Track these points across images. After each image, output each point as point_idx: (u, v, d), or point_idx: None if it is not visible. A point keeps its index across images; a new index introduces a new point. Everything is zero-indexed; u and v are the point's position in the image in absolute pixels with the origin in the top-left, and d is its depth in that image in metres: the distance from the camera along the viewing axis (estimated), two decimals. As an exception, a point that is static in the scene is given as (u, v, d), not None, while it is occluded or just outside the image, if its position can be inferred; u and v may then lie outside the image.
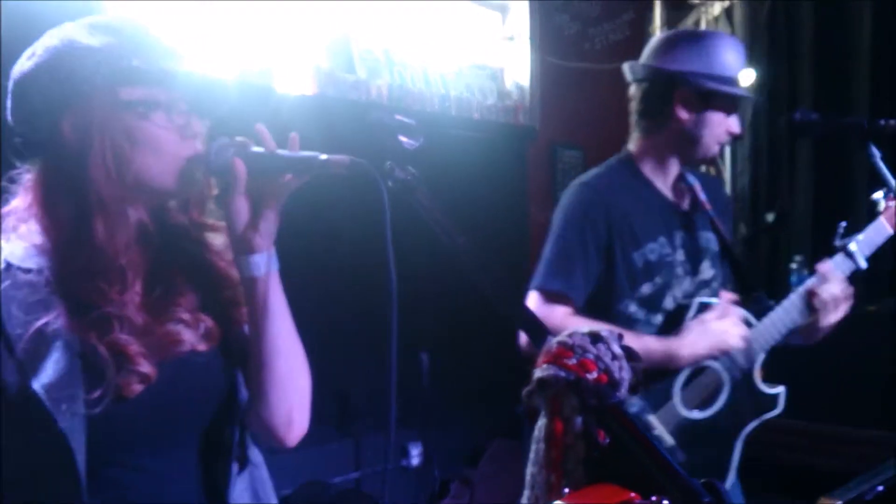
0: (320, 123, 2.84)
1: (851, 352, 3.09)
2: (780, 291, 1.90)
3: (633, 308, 1.83)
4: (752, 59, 4.43)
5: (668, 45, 1.86)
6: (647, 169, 1.90)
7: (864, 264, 1.87)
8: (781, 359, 2.03)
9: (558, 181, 4.23)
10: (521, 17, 4.19)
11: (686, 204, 1.93)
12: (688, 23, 4.59)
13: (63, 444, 0.94)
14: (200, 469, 1.11)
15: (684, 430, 1.80)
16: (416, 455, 3.48)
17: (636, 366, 0.87)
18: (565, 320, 1.77)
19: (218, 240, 1.16)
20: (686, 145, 1.85)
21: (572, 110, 4.35)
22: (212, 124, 1.10)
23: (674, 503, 0.80)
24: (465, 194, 3.17)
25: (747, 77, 4.35)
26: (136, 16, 2.62)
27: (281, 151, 1.05)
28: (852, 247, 1.85)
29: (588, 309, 1.82)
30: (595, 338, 0.87)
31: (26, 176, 1.07)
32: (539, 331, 0.94)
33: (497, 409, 3.45)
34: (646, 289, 1.83)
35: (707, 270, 1.90)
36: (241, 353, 1.14)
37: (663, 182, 1.91)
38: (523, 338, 1.79)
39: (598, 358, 0.85)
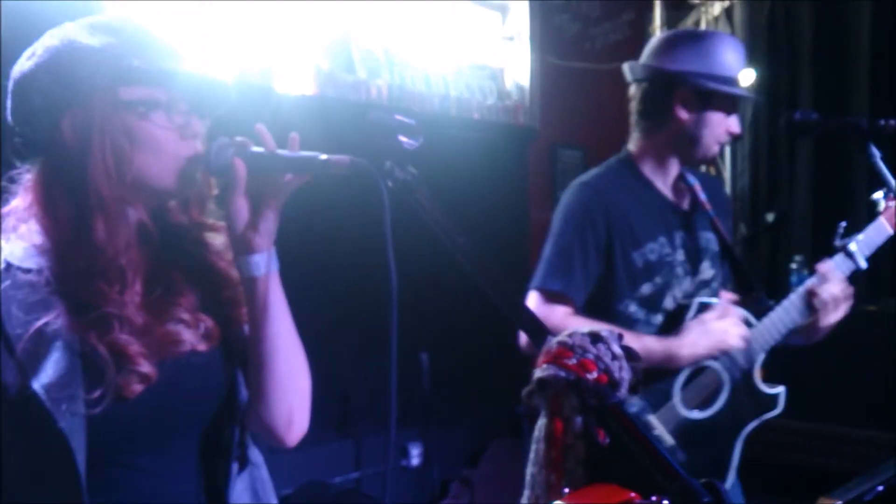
0: (320, 123, 2.84)
1: (852, 352, 3.09)
2: (780, 291, 1.90)
3: (633, 308, 1.83)
4: (752, 59, 4.43)
5: (667, 45, 1.86)
6: (647, 169, 1.90)
7: (864, 264, 1.87)
8: (782, 359, 2.03)
9: (558, 181, 4.23)
10: (521, 17, 4.19)
11: (686, 204, 1.93)
12: (688, 23, 4.59)
13: (63, 444, 0.94)
14: (200, 469, 1.10)
15: (684, 430, 1.79)
16: (416, 455, 3.48)
17: (636, 366, 0.87)
18: (565, 320, 1.77)
19: (218, 240, 1.16)
20: (686, 145, 1.85)
21: (572, 110, 4.35)
22: (211, 124, 1.10)
23: (673, 503, 0.80)
24: (465, 194, 3.17)
25: (747, 77, 4.35)
26: (136, 16, 2.63)
27: (281, 151, 1.05)
28: (852, 247, 1.85)
29: (588, 309, 1.82)
30: (595, 338, 0.87)
31: (26, 176, 1.07)
32: (539, 331, 0.94)
33: (497, 409, 3.46)
34: (646, 289, 1.83)
35: (707, 270, 1.90)
36: (241, 353, 1.14)
37: (663, 182, 1.90)
38: (523, 338, 1.78)
39: (598, 358, 0.85)
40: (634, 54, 1.97)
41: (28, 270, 1.00)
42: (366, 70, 3.47)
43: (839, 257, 1.86)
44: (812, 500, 1.38)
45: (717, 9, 4.56)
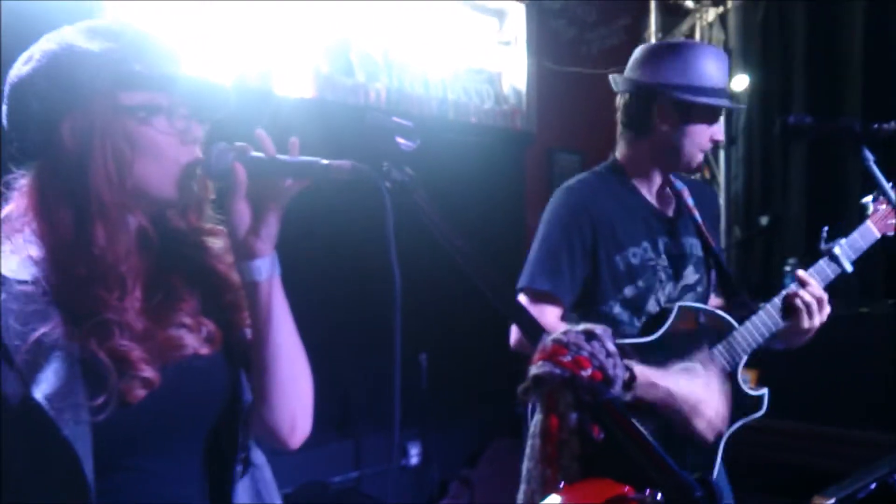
0: (319, 127, 2.85)
1: (846, 354, 3.11)
2: (774, 294, 1.91)
3: (617, 309, 1.86)
4: (746, 64, 4.46)
5: (647, 58, 1.89)
6: (633, 176, 1.93)
7: (849, 268, 1.89)
8: (776, 360, 2.05)
9: (555, 185, 4.20)
10: (517, 22, 4.21)
11: (671, 210, 1.96)
12: (683, 28, 4.61)
13: (69, 452, 0.94)
14: (205, 471, 1.11)
15: (667, 430, 1.81)
16: (415, 455, 3.49)
17: (629, 363, 0.89)
18: (556, 321, 1.79)
19: (217, 244, 1.16)
20: (668, 155, 1.88)
21: (569, 114, 4.37)
22: (210, 128, 1.10)
23: (666, 497, 0.82)
24: (462, 197, 3.19)
25: (740, 82, 4.38)
26: (135, 20, 2.65)
27: (281, 156, 1.05)
28: (836, 250, 1.88)
29: (574, 310, 1.85)
30: (589, 335, 0.88)
31: (21, 181, 1.05)
32: (535, 329, 0.95)
33: (496, 409, 3.48)
34: (628, 291, 1.86)
35: (691, 275, 1.93)
36: (243, 357, 1.14)
37: (648, 189, 1.94)
38: (514, 336, 1.81)
39: (592, 355, 0.86)
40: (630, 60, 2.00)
41: (24, 282, 0.99)
42: (364, 73, 3.49)
43: (824, 261, 1.88)
44: (807, 499, 1.39)
45: (711, 14, 4.59)
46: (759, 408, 1.89)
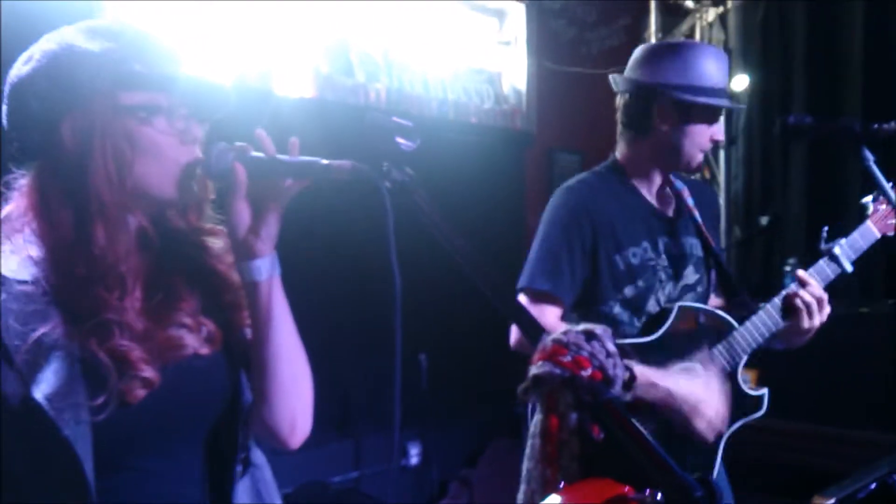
0: (319, 127, 2.85)
1: (847, 354, 3.11)
2: (774, 294, 1.92)
3: (617, 309, 1.86)
4: (746, 64, 4.46)
5: (647, 58, 1.89)
6: (633, 176, 1.93)
7: (849, 268, 1.89)
8: (777, 360, 2.05)
9: (555, 185, 4.19)
10: (518, 22, 4.21)
11: (671, 210, 1.96)
12: (683, 28, 4.61)
13: (69, 452, 0.94)
14: (205, 471, 1.11)
15: (667, 430, 1.81)
16: (414, 455, 3.49)
17: (629, 363, 0.89)
18: (556, 322, 1.79)
19: (217, 244, 1.16)
20: (668, 155, 1.88)
21: (569, 114, 4.38)
22: (210, 128, 1.10)
23: (666, 497, 0.82)
24: (462, 198, 3.19)
25: (741, 82, 4.38)
26: (135, 20, 2.65)
27: (281, 156, 1.05)
28: (836, 250, 1.88)
29: (574, 310, 1.85)
30: (589, 335, 0.88)
31: (21, 181, 1.05)
32: (535, 330, 0.95)
33: (495, 410, 3.48)
34: (628, 291, 1.86)
35: (691, 275, 1.93)
36: (243, 357, 1.15)
37: (648, 189, 1.94)
38: (514, 336, 1.81)
39: (592, 355, 0.87)
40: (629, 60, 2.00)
41: (23, 282, 0.99)
42: (364, 73, 3.49)
43: (823, 261, 1.88)
44: (807, 499, 1.39)
45: (711, 14, 4.59)
46: (759, 408, 1.89)
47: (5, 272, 0.99)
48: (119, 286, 1.03)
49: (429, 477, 3.58)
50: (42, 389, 0.94)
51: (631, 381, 0.88)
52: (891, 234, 1.98)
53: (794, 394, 2.88)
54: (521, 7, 4.20)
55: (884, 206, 1.93)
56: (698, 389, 1.75)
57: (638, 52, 1.93)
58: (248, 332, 1.14)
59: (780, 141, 4.27)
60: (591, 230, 1.84)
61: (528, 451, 0.89)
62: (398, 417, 0.98)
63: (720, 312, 1.89)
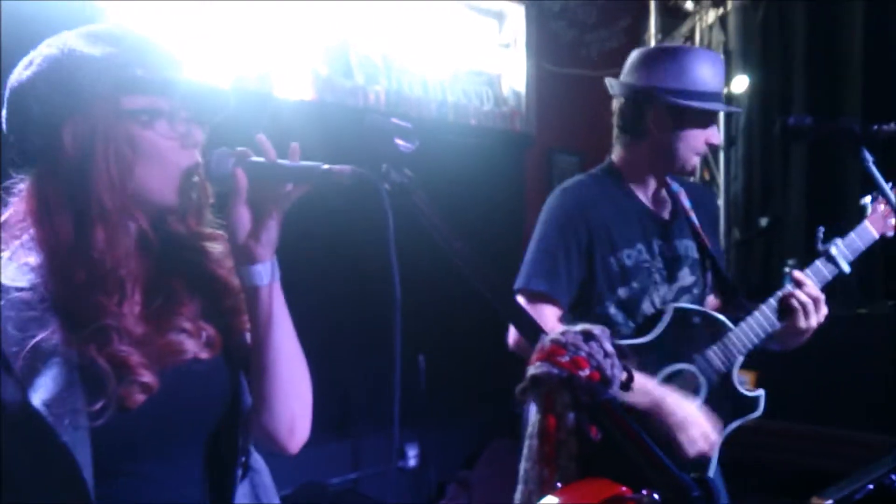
0: (318, 129, 2.86)
1: (845, 354, 3.11)
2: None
3: (612, 310, 1.87)
4: (746, 65, 4.47)
5: (642, 62, 1.91)
6: (629, 179, 1.95)
7: (846, 268, 1.89)
8: (775, 362, 2.05)
9: (555, 187, 4.23)
10: (517, 24, 4.22)
11: (667, 213, 1.97)
12: (683, 30, 4.62)
13: (69, 458, 0.94)
14: (205, 476, 1.11)
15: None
16: (412, 456, 3.49)
17: (627, 363, 0.89)
18: (553, 323, 1.80)
19: (217, 248, 1.16)
20: (663, 159, 1.89)
21: (568, 116, 4.38)
22: (210, 131, 1.10)
23: (664, 497, 0.82)
24: (462, 199, 3.19)
25: (740, 83, 4.39)
26: (135, 24, 2.65)
27: (282, 161, 1.05)
28: (832, 251, 1.88)
29: (571, 311, 1.86)
30: (587, 336, 0.88)
31: (19, 186, 1.05)
32: (533, 330, 0.96)
33: (494, 410, 3.47)
34: (622, 292, 1.87)
35: (686, 277, 1.94)
36: (243, 361, 1.15)
37: (644, 191, 1.95)
38: (512, 337, 1.82)
39: (590, 355, 0.87)
40: (629, 62, 2.00)
41: (21, 289, 0.99)
42: (364, 76, 3.50)
43: (820, 261, 1.88)
44: (805, 500, 1.40)
45: (711, 16, 4.59)
46: (754, 409, 1.90)
47: (4, 280, 0.99)
48: (118, 291, 1.03)
49: (427, 478, 3.58)
50: (40, 395, 0.94)
51: (629, 382, 0.89)
52: (890, 234, 1.98)
53: (793, 395, 2.88)
54: (521, 9, 4.21)
55: (882, 207, 1.94)
56: (689, 406, 1.76)
57: (633, 56, 1.94)
58: (248, 337, 1.14)
59: (780, 142, 4.27)
60: (587, 231, 1.85)
61: (525, 451, 0.89)
62: (397, 418, 0.98)
63: (715, 314, 1.90)
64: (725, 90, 4.37)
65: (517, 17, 4.21)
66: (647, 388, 1.74)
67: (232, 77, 2.97)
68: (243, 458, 1.14)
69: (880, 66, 3.90)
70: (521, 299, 1.85)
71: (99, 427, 0.96)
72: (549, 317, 1.81)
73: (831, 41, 4.13)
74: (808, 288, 1.83)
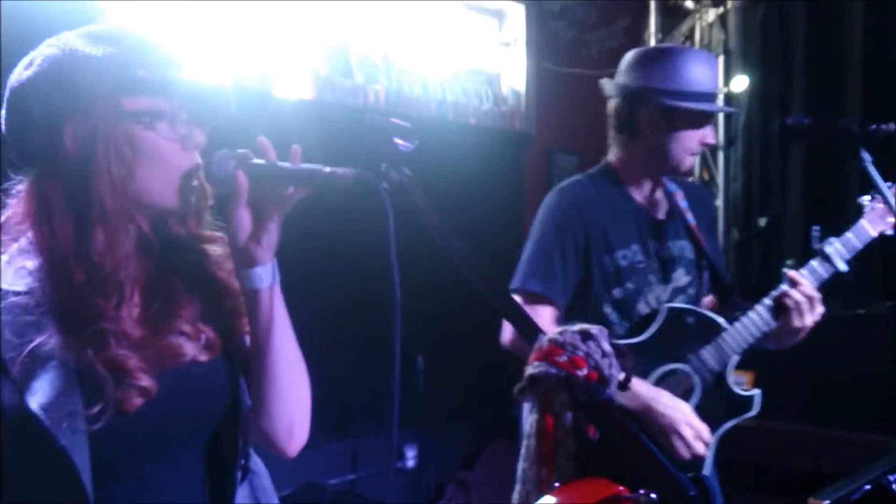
0: (318, 128, 2.86)
1: (842, 355, 3.11)
2: (772, 296, 1.92)
3: (608, 310, 1.88)
4: (745, 64, 4.47)
5: (636, 63, 1.91)
6: (625, 179, 1.95)
7: (843, 267, 1.89)
8: (773, 362, 2.05)
9: (554, 186, 4.25)
10: (517, 24, 4.22)
11: (662, 213, 1.97)
12: (683, 29, 4.62)
13: (67, 462, 0.94)
14: (205, 478, 1.11)
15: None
16: (411, 457, 3.50)
17: (625, 363, 0.90)
18: (549, 323, 1.81)
19: (216, 250, 1.16)
20: (657, 159, 1.90)
21: (568, 116, 4.38)
22: (209, 131, 1.10)
23: (661, 497, 0.83)
24: (461, 199, 3.19)
25: (740, 83, 4.39)
26: (136, 24, 2.65)
27: (283, 164, 1.05)
28: (828, 250, 1.88)
29: (568, 312, 1.86)
30: (585, 335, 0.89)
31: (18, 188, 1.05)
32: (532, 330, 0.96)
33: (492, 411, 3.48)
34: (617, 293, 1.88)
35: (682, 278, 1.95)
36: (242, 364, 1.15)
37: (640, 192, 1.96)
38: (507, 335, 1.82)
39: (588, 355, 0.87)
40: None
41: (18, 292, 0.99)
42: (363, 75, 3.50)
43: (816, 261, 1.88)
44: (803, 500, 1.40)
45: (711, 15, 4.59)
46: (749, 409, 1.90)
47: (1, 284, 0.99)
48: (117, 293, 1.03)
49: (425, 479, 3.58)
50: (38, 399, 0.94)
51: (626, 382, 0.89)
52: (889, 232, 1.98)
53: (791, 395, 2.88)
54: (521, 8, 4.21)
55: (880, 206, 1.94)
56: (681, 407, 1.77)
57: (628, 56, 1.94)
58: (248, 340, 1.14)
59: (779, 142, 4.27)
60: (584, 232, 1.86)
61: (523, 451, 0.89)
62: (396, 419, 0.98)
63: (709, 313, 1.90)
64: (725, 90, 4.39)
65: (517, 16, 4.21)
66: (638, 389, 1.75)
67: (232, 77, 2.97)
68: (243, 461, 1.14)
69: (880, 66, 3.90)
70: (517, 299, 1.85)
71: (97, 431, 0.96)
72: (545, 317, 1.82)
73: (831, 41, 4.13)
74: (804, 287, 1.83)
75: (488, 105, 4.05)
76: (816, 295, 1.84)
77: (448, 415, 3.60)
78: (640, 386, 1.76)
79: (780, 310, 1.84)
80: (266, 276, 1.09)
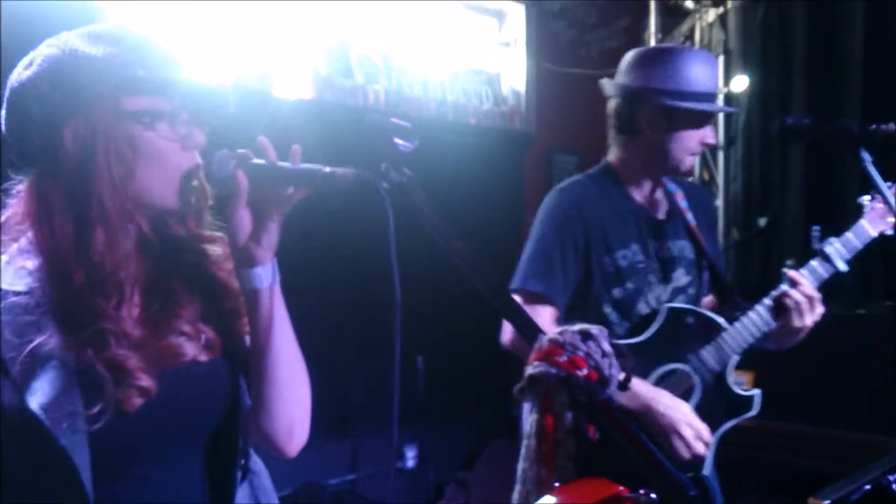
0: (318, 128, 2.86)
1: (842, 355, 3.12)
2: (772, 296, 1.91)
3: (608, 310, 1.89)
4: (745, 64, 4.47)
5: (635, 63, 1.91)
6: (625, 179, 1.96)
7: (843, 267, 1.89)
8: (773, 362, 2.05)
9: (554, 186, 4.25)
10: (517, 24, 4.22)
11: (662, 213, 1.98)
12: (683, 29, 4.62)
13: (67, 462, 0.94)
14: (205, 478, 1.11)
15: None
16: (411, 457, 3.50)
17: (625, 363, 0.90)
18: (549, 323, 1.81)
19: (216, 251, 1.16)
20: (657, 159, 1.90)
21: (568, 116, 4.38)
22: (209, 131, 1.10)
23: (661, 497, 0.83)
24: (461, 199, 3.19)
25: (740, 83, 4.39)
26: (136, 25, 2.65)
27: (283, 164, 1.05)
28: (828, 249, 1.88)
29: (568, 312, 1.86)
30: (585, 335, 0.89)
31: (18, 188, 1.05)
32: (532, 330, 0.96)
33: (492, 411, 3.48)
34: (617, 293, 1.88)
35: (682, 278, 1.95)
36: (242, 363, 1.15)
37: (640, 192, 1.96)
38: (507, 335, 1.83)
39: (588, 355, 0.87)
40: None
41: (18, 292, 0.99)
42: (363, 75, 3.50)
43: (816, 261, 1.88)
44: (803, 500, 1.40)
45: (711, 15, 4.59)
46: (748, 409, 1.90)
47: (2, 284, 0.99)
48: (117, 293, 1.03)
49: (425, 479, 3.58)
50: (38, 399, 0.94)
51: (626, 382, 0.89)
52: (889, 232, 1.98)
53: (791, 395, 2.88)
54: (521, 8, 4.21)
55: (880, 206, 1.94)
56: (681, 407, 1.77)
57: (627, 56, 1.95)
58: (248, 340, 1.14)
59: (779, 142, 4.27)
60: (584, 232, 1.86)
61: (523, 451, 0.89)
62: (396, 419, 0.98)
63: (709, 313, 1.91)
64: (725, 90, 4.40)
65: (517, 16, 4.21)
66: (638, 389, 1.75)
67: (232, 77, 2.97)
68: (243, 461, 1.14)
69: (880, 66, 3.90)
70: (517, 299, 1.85)
71: (97, 431, 0.96)
72: (545, 317, 1.82)
73: (831, 41, 4.13)
74: (804, 287, 1.83)
75: (488, 105, 4.05)
76: (816, 295, 1.84)
77: (448, 415, 3.60)
78: (640, 386, 1.76)
79: (780, 310, 1.84)
80: (266, 276, 1.09)
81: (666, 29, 4.59)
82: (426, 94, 3.75)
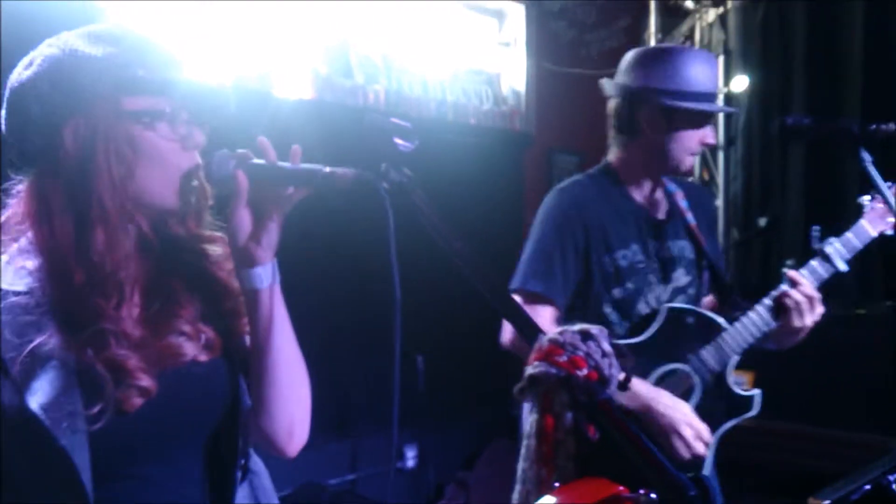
0: (318, 128, 2.87)
1: (842, 355, 3.12)
2: (772, 296, 1.91)
3: (608, 310, 1.89)
4: (745, 64, 4.47)
5: (635, 63, 1.92)
6: (625, 179, 1.96)
7: (843, 267, 1.89)
8: (773, 361, 2.05)
9: (554, 186, 4.25)
10: (517, 24, 4.22)
11: (662, 213, 1.98)
12: (683, 29, 4.62)
13: (67, 462, 0.94)
14: (205, 478, 1.11)
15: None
16: (411, 457, 3.50)
17: (625, 363, 0.90)
18: (549, 323, 1.81)
19: (216, 250, 1.16)
20: (657, 159, 1.90)
21: (568, 116, 4.38)
22: (209, 131, 1.10)
23: (661, 497, 0.83)
24: (461, 199, 3.19)
25: (740, 83, 4.39)
26: (137, 25, 2.65)
27: (283, 164, 1.05)
28: (828, 249, 1.88)
29: (568, 312, 1.86)
30: (585, 335, 0.89)
31: (18, 188, 1.05)
32: (532, 330, 0.96)
33: (492, 411, 3.48)
34: (617, 293, 1.89)
35: (682, 278, 1.95)
36: (242, 363, 1.15)
37: (640, 192, 1.96)
38: (507, 335, 1.83)
39: (588, 355, 0.87)
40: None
41: (19, 293, 0.99)
42: (363, 75, 3.50)
43: (816, 261, 1.88)
44: (803, 500, 1.40)
45: (711, 15, 4.59)
46: (749, 409, 1.90)
47: (2, 284, 0.99)
48: (117, 293, 1.03)
49: (425, 479, 3.58)
50: (37, 399, 0.94)
51: (626, 382, 0.89)
52: (889, 232, 1.98)
53: (791, 395, 2.88)
54: (521, 8, 4.21)
55: (880, 206, 1.94)
56: (681, 407, 1.77)
57: (627, 56, 1.95)
58: (248, 340, 1.15)
59: (779, 142, 4.27)
60: (584, 231, 1.87)
61: (523, 451, 0.89)
62: (396, 419, 0.98)
63: (709, 313, 1.91)
64: (725, 90, 4.40)
65: (517, 16, 4.21)
66: (638, 389, 1.75)
67: (232, 77, 2.97)
68: (243, 461, 1.14)
69: (880, 66, 3.91)
70: (517, 299, 1.85)
71: (97, 431, 0.96)
72: (545, 317, 1.82)
73: (831, 41, 4.14)
74: (803, 287, 1.83)
75: (488, 105, 4.05)
76: (816, 295, 1.84)
77: (448, 415, 3.60)
78: (640, 386, 1.77)
79: (780, 310, 1.84)
80: (266, 276, 1.09)
81: (666, 29, 4.60)
82: (426, 94, 3.75)
